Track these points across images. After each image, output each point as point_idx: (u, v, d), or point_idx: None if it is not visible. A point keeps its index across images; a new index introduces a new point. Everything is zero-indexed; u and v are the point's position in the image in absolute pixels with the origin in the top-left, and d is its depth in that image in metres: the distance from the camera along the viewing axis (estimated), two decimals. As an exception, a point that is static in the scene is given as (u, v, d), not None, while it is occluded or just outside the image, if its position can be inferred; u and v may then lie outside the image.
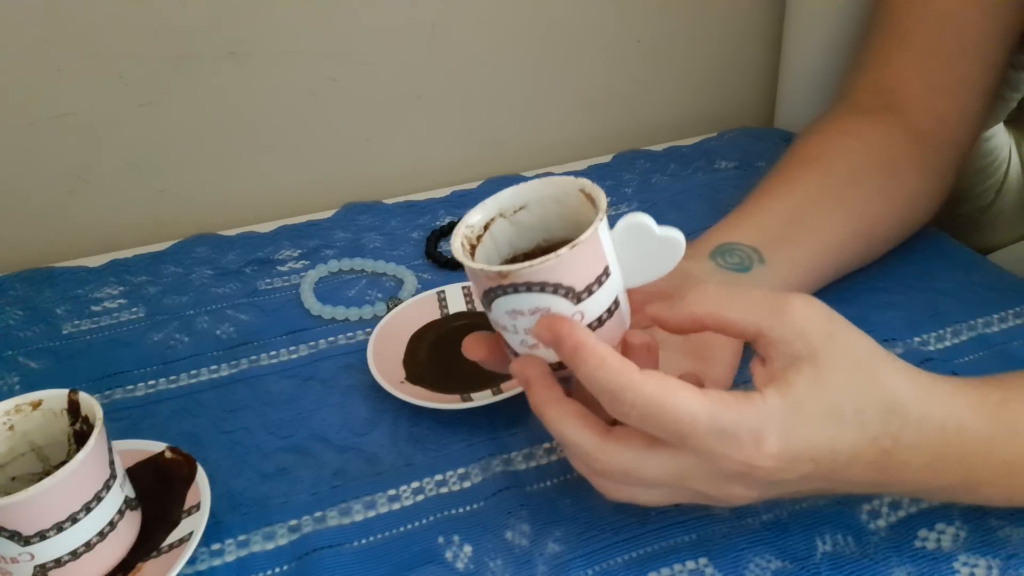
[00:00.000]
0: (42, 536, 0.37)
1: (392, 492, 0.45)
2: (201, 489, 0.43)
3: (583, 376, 0.33)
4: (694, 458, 0.33)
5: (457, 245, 0.36)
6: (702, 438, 0.32)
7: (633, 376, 0.32)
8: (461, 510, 0.44)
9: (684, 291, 0.36)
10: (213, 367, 0.55)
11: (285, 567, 0.41)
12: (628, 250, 0.36)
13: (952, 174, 0.60)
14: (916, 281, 0.58)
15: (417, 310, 0.57)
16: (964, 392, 0.35)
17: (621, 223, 0.35)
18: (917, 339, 0.53)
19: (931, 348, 0.52)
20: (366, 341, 0.54)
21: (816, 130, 0.59)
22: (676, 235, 0.35)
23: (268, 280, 0.64)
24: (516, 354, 0.37)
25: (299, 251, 0.68)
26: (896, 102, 0.58)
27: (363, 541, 0.42)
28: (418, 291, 0.61)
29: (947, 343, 0.53)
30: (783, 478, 0.33)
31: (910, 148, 0.56)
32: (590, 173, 0.77)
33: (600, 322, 0.35)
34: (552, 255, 0.33)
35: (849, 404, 0.33)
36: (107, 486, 0.39)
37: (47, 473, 0.38)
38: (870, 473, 0.34)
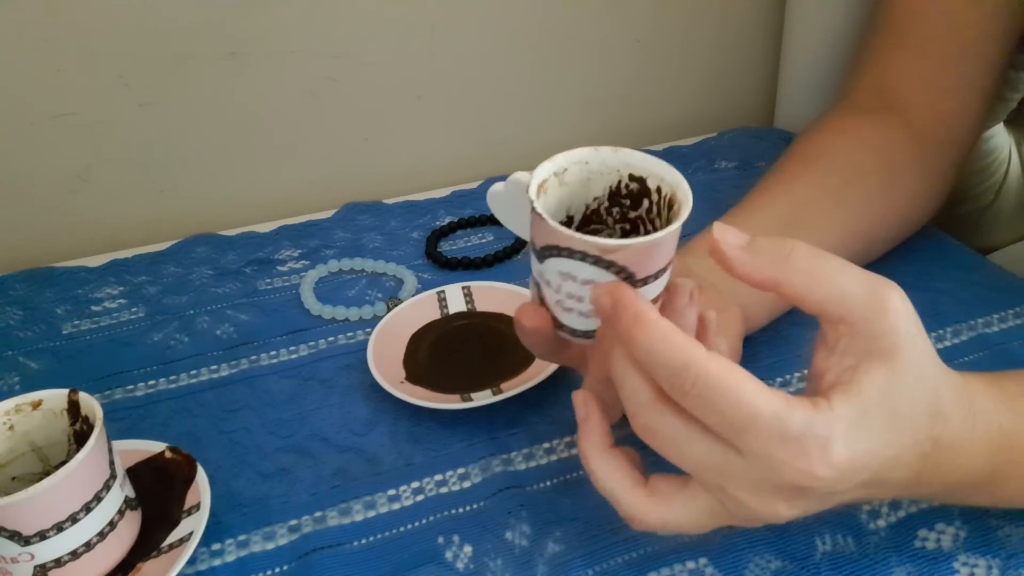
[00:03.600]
0: (42, 536, 0.37)
1: (392, 492, 0.45)
2: (201, 489, 0.43)
3: (641, 347, 0.31)
4: (746, 461, 0.30)
5: (535, 188, 0.35)
6: (763, 437, 0.29)
7: (698, 354, 0.30)
8: (461, 510, 0.44)
9: (766, 251, 0.33)
10: (213, 367, 0.55)
11: (285, 567, 0.41)
12: (515, 204, 0.38)
13: (952, 174, 0.60)
14: (916, 281, 0.58)
15: (417, 310, 0.57)
16: (986, 387, 0.35)
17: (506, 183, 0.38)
18: (917, 339, 0.53)
19: (931, 348, 0.52)
20: (366, 341, 0.54)
21: (816, 129, 0.59)
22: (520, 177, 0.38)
23: (268, 280, 0.64)
24: (543, 303, 0.37)
25: (299, 251, 0.68)
26: (896, 102, 0.58)
27: (363, 541, 0.42)
28: (418, 291, 0.61)
29: (947, 343, 0.53)
30: (836, 490, 0.31)
31: (910, 148, 0.56)
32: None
33: None
34: (646, 239, 0.32)
35: (908, 410, 0.31)
36: (107, 486, 0.39)
37: (47, 473, 0.38)
38: (906, 476, 0.32)
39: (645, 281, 0.34)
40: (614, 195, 0.38)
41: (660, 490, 0.33)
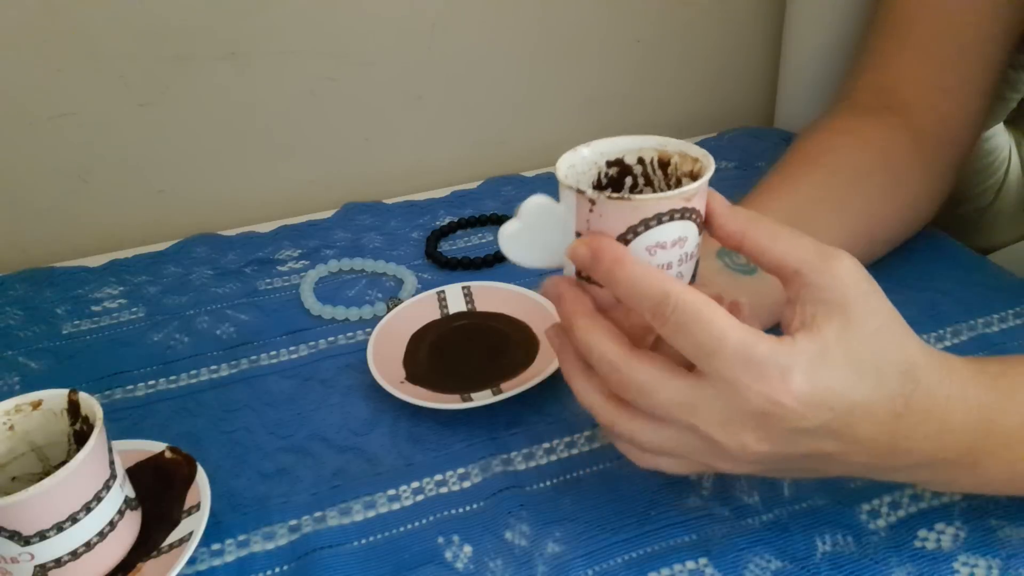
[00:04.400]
0: (42, 536, 0.37)
1: (392, 492, 0.45)
2: (201, 489, 0.43)
3: (624, 283, 0.34)
4: (713, 389, 0.33)
5: (588, 186, 0.36)
6: (729, 361, 0.32)
7: (676, 286, 0.33)
8: (461, 510, 0.44)
9: (743, 212, 0.36)
10: (213, 367, 0.55)
11: (285, 567, 0.41)
12: (541, 230, 0.37)
13: (952, 174, 0.60)
14: (916, 281, 0.58)
15: (417, 310, 0.57)
16: (967, 364, 0.36)
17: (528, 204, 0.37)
18: (917, 339, 0.53)
19: (931, 348, 0.52)
20: (366, 341, 0.54)
21: (817, 129, 0.59)
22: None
23: (268, 280, 0.64)
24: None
25: (299, 251, 0.68)
26: (897, 102, 0.58)
27: (363, 541, 0.42)
28: (418, 291, 0.61)
29: (947, 343, 0.53)
30: (799, 426, 0.33)
31: (911, 148, 0.56)
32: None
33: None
34: (703, 180, 0.34)
35: (871, 359, 0.33)
36: (107, 486, 0.39)
37: (47, 473, 0.38)
38: (879, 435, 0.34)
39: (701, 227, 0.36)
40: (597, 188, 0.39)
41: (648, 355, 0.35)
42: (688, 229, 0.35)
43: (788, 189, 0.54)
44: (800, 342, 0.33)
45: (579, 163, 0.38)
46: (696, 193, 0.34)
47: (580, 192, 0.34)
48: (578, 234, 0.36)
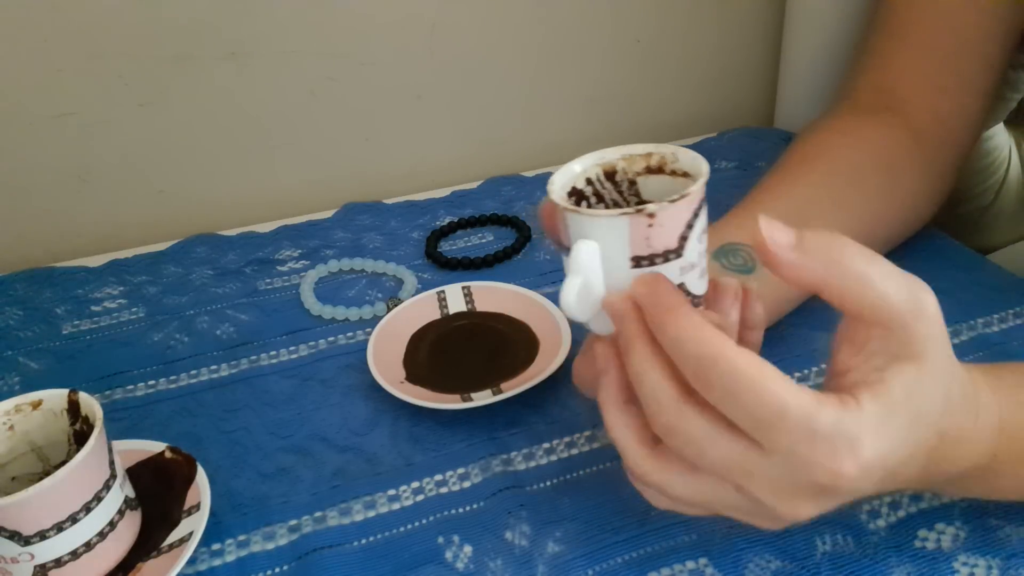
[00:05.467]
0: (42, 536, 0.37)
1: (392, 492, 0.45)
2: (201, 489, 0.43)
3: (671, 338, 0.31)
4: (768, 460, 0.30)
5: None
6: (791, 434, 0.29)
7: (728, 348, 0.30)
8: (461, 510, 0.44)
9: (818, 253, 0.31)
10: (213, 367, 0.55)
11: (285, 567, 0.41)
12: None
13: (952, 175, 0.60)
14: (916, 281, 0.58)
15: (417, 310, 0.57)
16: (985, 378, 0.35)
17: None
18: (917, 339, 0.53)
19: (931, 348, 0.52)
20: (366, 341, 0.54)
21: (816, 129, 0.59)
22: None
23: (268, 280, 0.64)
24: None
25: (299, 251, 0.68)
26: (897, 102, 0.58)
27: (363, 541, 0.42)
28: (418, 291, 0.61)
29: (947, 343, 0.53)
30: (858, 488, 0.30)
31: (910, 148, 0.56)
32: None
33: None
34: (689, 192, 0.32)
35: (928, 408, 0.31)
36: (107, 486, 0.39)
37: (47, 473, 0.38)
38: (915, 472, 0.33)
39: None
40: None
41: (670, 458, 0.33)
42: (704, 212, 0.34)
43: (788, 189, 0.54)
44: (867, 406, 0.30)
45: (563, 197, 0.36)
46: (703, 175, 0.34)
47: (638, 212, 0.32)
48: (636, 259, 0.33)
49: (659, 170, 0.36)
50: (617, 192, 0.38)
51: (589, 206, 0.37)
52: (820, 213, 0.52)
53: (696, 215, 0.33)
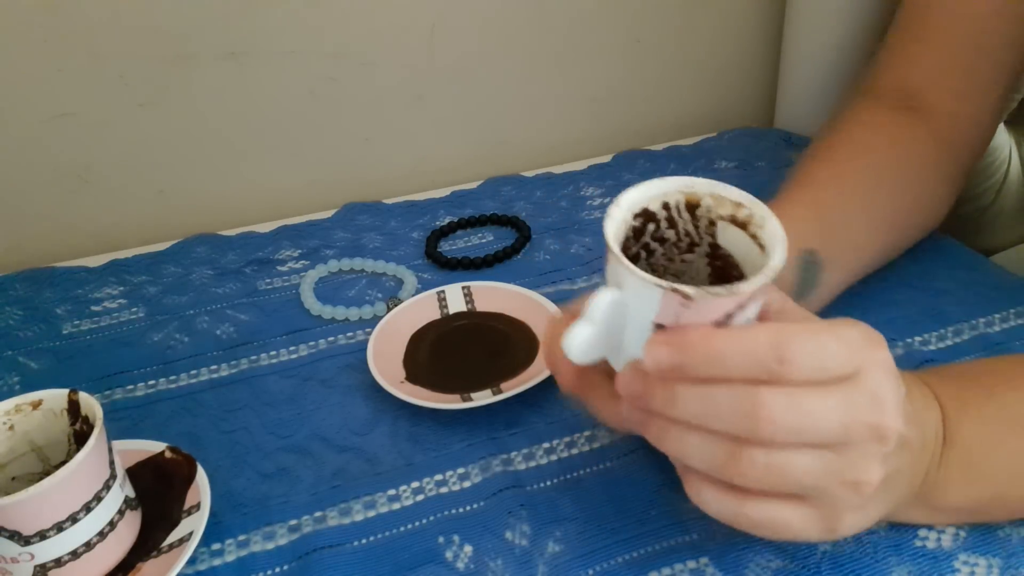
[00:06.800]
0: (42, 536, 0.37)
1: (392, 492, 0.45)
2: (201, 489, 0.43)
3: (728, 351, 0.30)
4: (835, 454, 0.31)
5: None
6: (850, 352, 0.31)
7: (778, 324, 0.31)
8: (461, 510, 0.44)
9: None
10: (213, 367, 0.55)
11: (285, 567, 0.41)
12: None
13: (962, 179, 0.60)
14: (918, 281, 0.58)
15: (417, 310, 0.57)
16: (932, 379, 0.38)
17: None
18: (918, 339, 0.53)
19: (932, 348, 0.52)
20: (366, 341, 0.54)
21: (844, 122, 0.58)
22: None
23: (268, 280, 0.64)
24: None
25: (299, 251, 0.68)
26: (918, 103, 0.58)
27: (363, 541, 0.42)
28: (418, 291, 0.61)
29: (948, 342, 0.53)
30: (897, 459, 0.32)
31: (931, 149, 0.56)
32: (590, 173, 0.77)
33: None
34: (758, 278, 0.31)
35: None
36: (107, 486, 0.39)
37: (47, 473, 0.37)
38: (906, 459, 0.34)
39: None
40: (626, 250, 0.35)
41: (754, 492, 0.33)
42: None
43: (812, 198, 0.53)
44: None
45: (620, 230, 0.35)
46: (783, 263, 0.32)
47: (675, 291, 0.30)
48: (659, 326, 0.32)
49: (743, 226, 0.35)
50: (694, 226, 0.36)
51: (657, 230, 0.36)
52: (847, 222, 0.51)
53: (743, 307, 0.31)
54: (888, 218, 0.54)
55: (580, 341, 0.32)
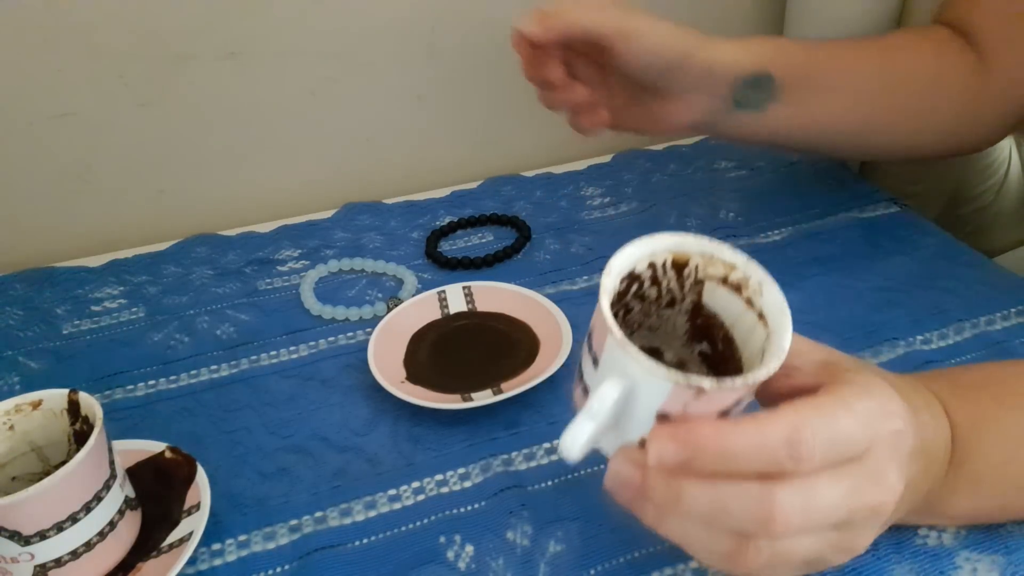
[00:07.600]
0: (42, 536, 0.37)
1: (392, 492, 0.45)
2: (201, 489, 0.43)
3: (742, 444, 0.29)
4: (858, 470, 0.30)
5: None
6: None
7: (795, 406, 0.30)
8: (462, 510, 0.44)
9: None
10: (213, 367, 0.55)
11: (286, 567, 0.41)
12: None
13: (996, 135, 0.60)
14: (920, 280, 0.58)
15: (417, 310, 0.57)
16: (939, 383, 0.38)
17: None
18: (920, 337, 0.53)
19: (934, 346, 0.52)
20: (366, 341, 0.54)
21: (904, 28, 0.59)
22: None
23: (268, 280, 0.64)
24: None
25: (299, 251, 0.67)
26: (975, 42, 0.58)
27: (364, 541, 0.42)
28: (418, 291, 0.61)
29: (950, 341, 0.53)
30: (909, 425, 0.32)
31: (978, 78, 0.57)
32: (590, 173, 0.77)
33: None
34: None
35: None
36: (107, 486, 0.39)
37: (47, 473, 0.37)
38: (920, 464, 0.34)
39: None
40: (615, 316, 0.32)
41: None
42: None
43: (833, 43, 0.55)
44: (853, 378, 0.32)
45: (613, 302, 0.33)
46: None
47: (688, 386, 0.29)
48: (663, 415, 0.30)
49: (736, 288, 0.33)
50: (679, 285, 0.35)
51: (640, 289, 0.34)
52: (853, 63, 0.54)
53: (752, 392, 0.30)
54: (901, 87, 0.55)
55: (585, 441, 0.30)
